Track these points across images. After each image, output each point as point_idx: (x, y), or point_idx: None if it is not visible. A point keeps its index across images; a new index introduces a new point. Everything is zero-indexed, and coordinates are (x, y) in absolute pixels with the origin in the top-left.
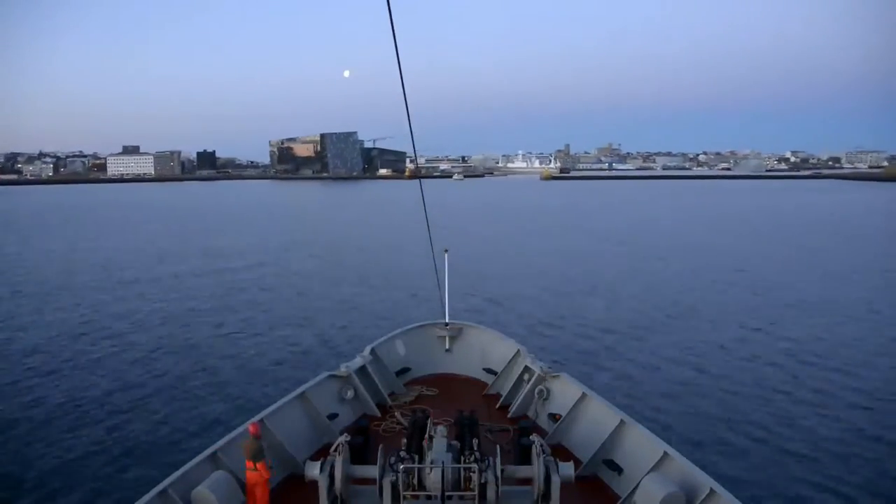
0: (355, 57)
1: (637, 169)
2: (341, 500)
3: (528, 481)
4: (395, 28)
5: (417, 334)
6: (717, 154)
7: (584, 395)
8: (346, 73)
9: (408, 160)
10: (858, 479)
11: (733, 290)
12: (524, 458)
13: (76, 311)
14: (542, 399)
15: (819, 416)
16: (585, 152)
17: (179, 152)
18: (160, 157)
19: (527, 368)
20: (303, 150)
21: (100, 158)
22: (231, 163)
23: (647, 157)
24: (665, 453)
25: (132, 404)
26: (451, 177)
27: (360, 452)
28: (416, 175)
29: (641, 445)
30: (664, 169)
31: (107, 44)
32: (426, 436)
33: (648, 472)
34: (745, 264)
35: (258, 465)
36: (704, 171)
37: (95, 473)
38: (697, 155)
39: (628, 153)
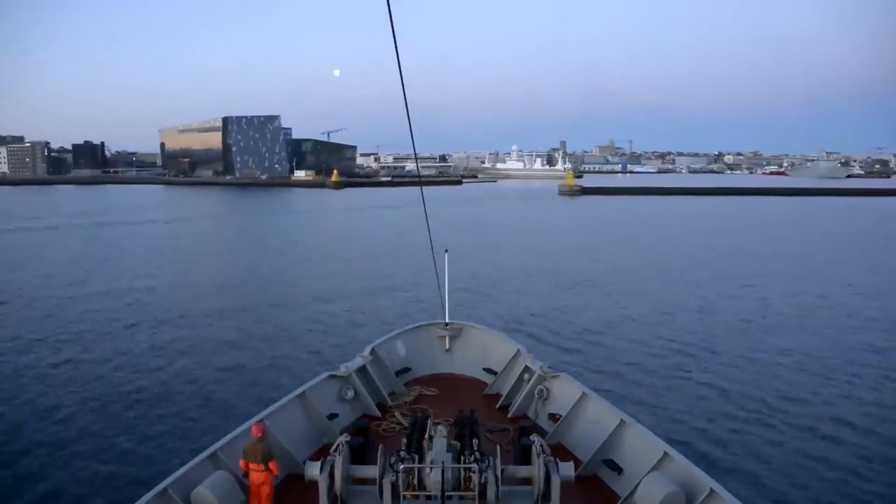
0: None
1: (658, 172)
2: (341, 500)
3: (528, 481)
4: (394, 26)
5: (417, 334)
6: (739, 154)
7: (584, 395)
8: (336, 73)
9: (371, 158)
10: (859, 478)
11: None
12: (524, 458)
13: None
14: (542, 399)
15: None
16: (584, 151)
17: (46, 144)
18: (15, 152)
19: (527, 368)
20: (199, 142)
21: None
22: (124, 158)
23: (664, 156)
24: (665, 453)
25: (134, 403)
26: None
27: (360, 452)
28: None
29: (641, 445)
30: (691, 172)
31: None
32: (426, 436)
33: (648, 472)
34: None
35: (270, 465)
36: (747, 176)
37: (95, 474)
38: (721, 155)
39: (637, 152)
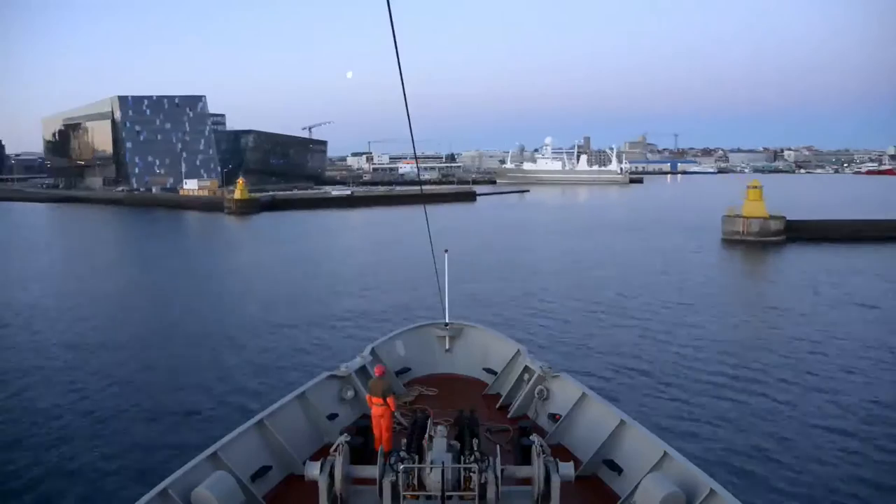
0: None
1: (718, 172)
2: (341, 500)
3: (528, 481)
4: (393, 24)
5: (417, 334)
6: (789, 149)
7: (584, 395)
8: (349, 75)
9: (364, 158)
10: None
11: None
12: (524, 458)
13: None
14: (542, 399)
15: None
16: (610, 147)
17: None
18: None
19: (527, 368)
20: (87, 135)
21: None
22: (23, 162)
23: (712, 152)
24: (665, 453)
25: (139, 400)
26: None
27: (360, 452)
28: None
29: (641, 445)
30: (755, 171)
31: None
32: (426, 436)
33: (648, 472)
34: None
35: (388, 400)
36: (851, 177)
37: (96, 473)
38: (780, 150)
39: (681, 148)
